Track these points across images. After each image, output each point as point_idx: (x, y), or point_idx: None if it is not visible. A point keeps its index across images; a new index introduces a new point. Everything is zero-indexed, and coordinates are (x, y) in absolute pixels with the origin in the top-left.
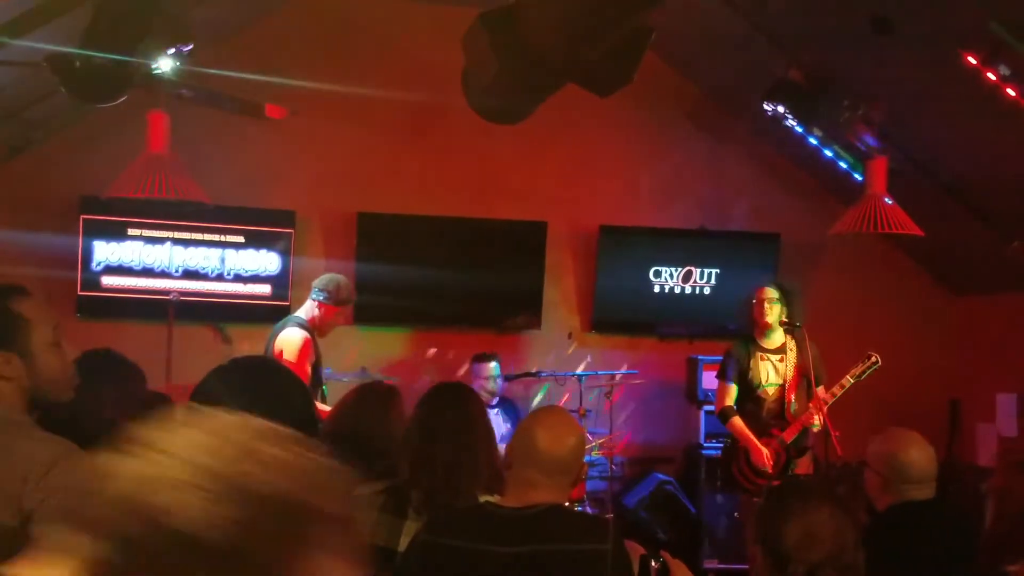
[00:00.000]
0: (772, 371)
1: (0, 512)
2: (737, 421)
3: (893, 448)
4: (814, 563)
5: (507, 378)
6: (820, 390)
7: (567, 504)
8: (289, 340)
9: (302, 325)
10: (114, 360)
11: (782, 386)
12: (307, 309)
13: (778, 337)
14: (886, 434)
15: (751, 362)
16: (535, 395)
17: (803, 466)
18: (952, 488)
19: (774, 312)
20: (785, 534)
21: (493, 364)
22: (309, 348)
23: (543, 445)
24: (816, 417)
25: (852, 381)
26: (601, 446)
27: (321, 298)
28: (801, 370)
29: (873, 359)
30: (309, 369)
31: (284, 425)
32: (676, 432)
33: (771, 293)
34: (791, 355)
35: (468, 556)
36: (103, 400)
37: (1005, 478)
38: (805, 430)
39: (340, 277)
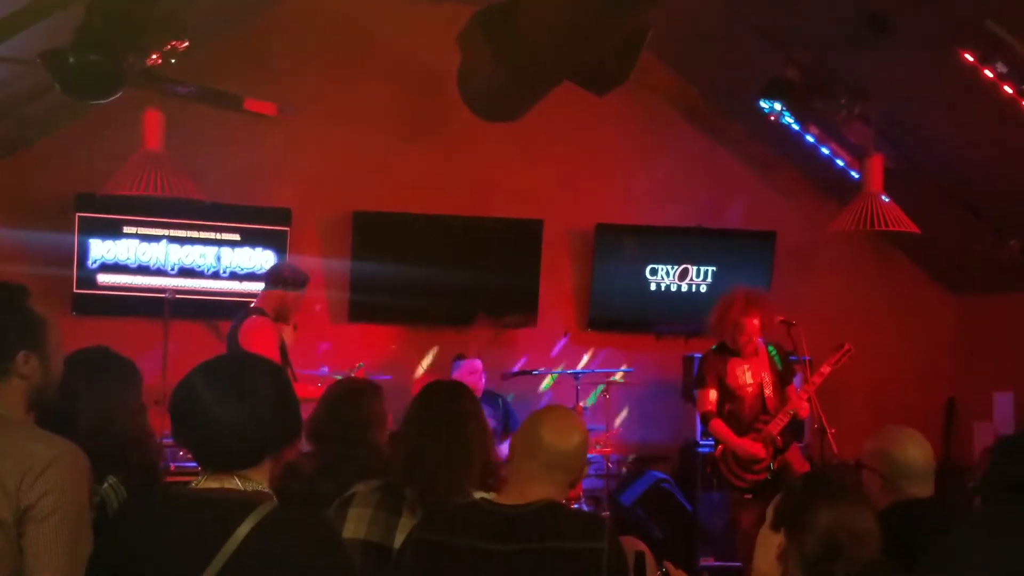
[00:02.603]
0: (748, 372)
1: None
2: (717, 424)
3: (889, 445)
4: (866, 561)
5: (504, 376)
6: (793, 388)
7: (564, 502)
8: (254, 329)
9: (263, 314)
10: (109, 357)
11: (760, 384)
12: (265, 300)
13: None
14: (881, 432)
15: (727, 367)
16: (539, 391)
17: (793, 458)
18: (949, 487)
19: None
20: (845, 525)
21: (475, 360)
22: (275, 335)
23: (547, 438)
24: (801, 404)
25: (830, 370)
26: (598, 444)
27: (276, 287)
28: (774, 369)
29: (846, 347)
30: (279, 356)
31: (267, 415)
32: (672, 430)
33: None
34: (763, 355)
35: (463, 553)
36: (97, 397)
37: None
38: (791, 422)
39: (285, 262)
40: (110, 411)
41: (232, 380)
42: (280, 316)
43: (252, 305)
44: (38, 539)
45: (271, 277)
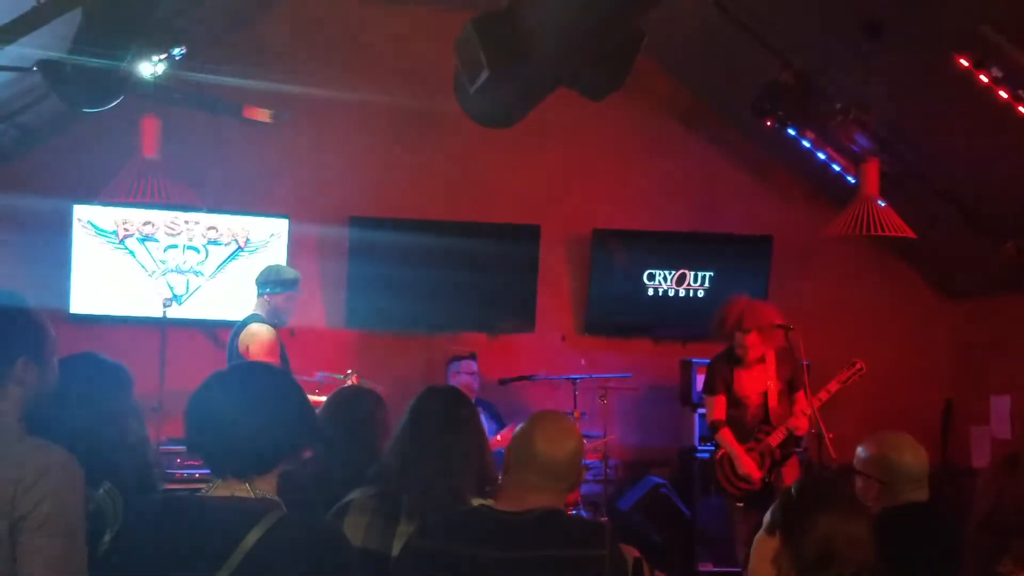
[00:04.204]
0: (754, 380)
1: None
2: (725, 433)
3: (887, 451)
4: (861, 563)
5: (501, 382)
6: (801, 395)
7: (563, 509)
8: (256, 335)
9: (260, 320)
10: (99, 362)
11: (764, 393)
12: (259, 306)
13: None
14: (876, 439)
15: (733, 373)
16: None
17: (789, 470)
18: (946, 490)
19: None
20: (845, 530)
21: (473, 361)
22: (274, 340)
23: (542, 449)
24: (801, 422)
25: (838, 387)
26: (595, 449)
27: (268, 291)
28: (781, 376)
29: (858, 366)
30: (279, 361)
31: (285, 425)
32: (670, 435)
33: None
34: (770, 362)
35: (462, 561)
36: (89, 403)
37: (993, 476)
38: (790, 434)
39: (276, 264)
40: (102, 417)
41: (248, 389)
42: (276, 319)
43: (250, 312)
44: (32, 548)
45: (259, 282)
